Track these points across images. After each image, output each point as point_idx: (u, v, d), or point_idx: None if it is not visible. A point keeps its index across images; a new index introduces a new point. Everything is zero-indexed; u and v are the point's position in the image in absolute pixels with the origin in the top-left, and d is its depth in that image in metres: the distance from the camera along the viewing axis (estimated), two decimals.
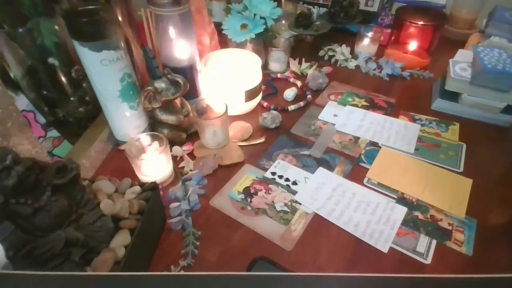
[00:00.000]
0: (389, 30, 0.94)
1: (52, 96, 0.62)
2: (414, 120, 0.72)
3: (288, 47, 0.88)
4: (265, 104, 0.76)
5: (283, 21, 0.93)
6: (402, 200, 0.56)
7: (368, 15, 0.98)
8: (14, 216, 0.34)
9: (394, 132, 0.69)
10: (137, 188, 0.47)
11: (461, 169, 0.61)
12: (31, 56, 0.57)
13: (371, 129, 0.70)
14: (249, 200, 0.56)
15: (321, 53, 0.93)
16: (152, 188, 0.47)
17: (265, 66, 0.88)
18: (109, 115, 0.59)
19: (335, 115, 0.74)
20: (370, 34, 0.90)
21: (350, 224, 0.52)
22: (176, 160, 0.62)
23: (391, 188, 0.57)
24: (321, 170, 0.61)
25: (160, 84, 0.57)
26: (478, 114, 0.71)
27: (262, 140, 0.67)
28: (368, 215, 0.53)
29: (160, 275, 0.31)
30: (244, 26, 0.80)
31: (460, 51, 0.80)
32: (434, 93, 0.78)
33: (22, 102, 0.55)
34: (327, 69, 0.87)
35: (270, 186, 0.58)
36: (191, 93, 0.67)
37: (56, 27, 0.56)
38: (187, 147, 0.65)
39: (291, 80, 0.85)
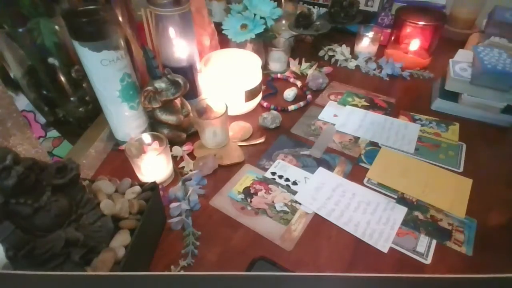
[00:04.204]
0: (389, 30, 0.94)
1: (52, 96, 0.62)
2: (414, 120, 0.72)
3: (288, 47, 0.88)
4: (265, 104, 0.76)
5: (283, 21, 0.93)
6: (402, 200, 0.56)
7: (368, 15, 0.98)
8: (14, 216, 0.34)
9: (394, 132, 0.69)
10: (137, 188, 0.47)
11: (461, 169, 0.61)
12: (31, 56, 0.57)
13: (371, 129, 0.70)
14: (249, 200, 0.56)
15: (321, 53, 0.93)
16: (152, 188, 0.47)
17: (265, 66, 0.88)
18: (109, 115, 0.59)
19: (335, 115, 0.74)
20: (370, 34, 0.90)
21: (350, 224, 0.52)
22: (176, 160, 0.62)
23: (391, 188, 0.57)
24: (321, 170, 0.61)
25: (160, 84, 0.57)
26: (478, 114, 0.71)
27: (262, 140, 0.67)
28: (368, 215, 0.53)
29: (160, 275, 0.31)
30: (244, 26, 0.80)
31: (460, 51, 0.80)
32: (434, 93, 0.78)
33: (22, 102, 0.55)
34: (327, 69, 0.87)
35: (270, 186, 0.58)
36: (191, 93, 0.67)
37: (56, 27, 0.56)
38: (187, 147, 0.65)
39: (291, 80, 0.85)
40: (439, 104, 0.74)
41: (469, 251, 0.48)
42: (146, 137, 0.57)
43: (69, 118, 0.65)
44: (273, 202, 0.55)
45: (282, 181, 0.59)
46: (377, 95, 0.80)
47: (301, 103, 0.76)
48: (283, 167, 0.62)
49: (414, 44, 0.88)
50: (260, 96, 0.75)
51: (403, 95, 0.80)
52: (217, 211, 0.54)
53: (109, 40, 0.51)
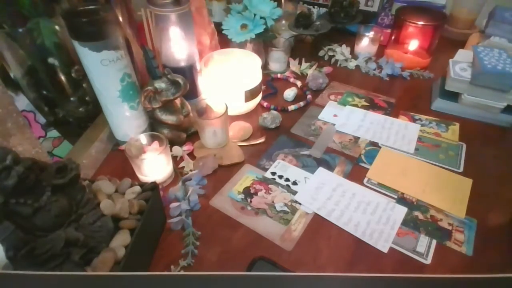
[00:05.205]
0: (389, 30, 0.94)
1: (52, 96, 0.62)
2: (414, 120, 0.72)
3: (288, 47, 0.88)
4: (265, 104, 0.76)
5: (283, 21, 0.93)
6: (402, 200, 0.56)
7: (368, 15, 0.98)
8: (14, 216, 0.34)
9: (394, 132, 0.69)
10: (137, 188, 0.47)
11: (461, 169, 0.61)
12: (31, 56, 0.57)
13: (371, 129, 0.70)
14: (249, 200, 0.56)
15: (321, 53, 0.93)
16: (152, 188, 0.47)
17: (265, 66, 0.88)
18: (109, 115, 0.59)
19: (335, 115, 0.74)
20: (370, 34, 0.90)
21: (350, 224, 0.52)
22: (176, 160, 0.62)
23: (391, 188, 0.57)
24: (321, 170, 0.61)
25: (160, 84, 0.57)
26: (478, 114, 0.71)
27: (262, 140, 0.67)
28: (368, 215, 0.53)
29: (160, 275, 0.31)
30: (244, 26, 0.80)
31: (460, 51, 0.80)
32: (434, 93, 0.78)
33: (22, 102, 0.55)
34: (327, 69, 0.87)
35: (270, 186, 0.58)
36: (191, 93, 0.67)
37: (56, 27, 0.56)
38: (187, 147, 0.65)
39: (291, 80, 0.85)
40: (439, 104, 0.74)
41: (469, 251, 0.48)
42: (146, 137, 0.57)
43: (69, 118, 0.65)
44: (273, 202, 0.55)
45: (282, 181, 0.59)
46: (377, 95, 0.80)
47: (301, 103, 0.76)
48: (283, 167, 0.62)
49: (414, 44, 0.88)
50: (260, 96, 0.75)
51: (403, 95, 0.80)
52: (217, 211, 0.54)
53: (109, 40, 0.51)
